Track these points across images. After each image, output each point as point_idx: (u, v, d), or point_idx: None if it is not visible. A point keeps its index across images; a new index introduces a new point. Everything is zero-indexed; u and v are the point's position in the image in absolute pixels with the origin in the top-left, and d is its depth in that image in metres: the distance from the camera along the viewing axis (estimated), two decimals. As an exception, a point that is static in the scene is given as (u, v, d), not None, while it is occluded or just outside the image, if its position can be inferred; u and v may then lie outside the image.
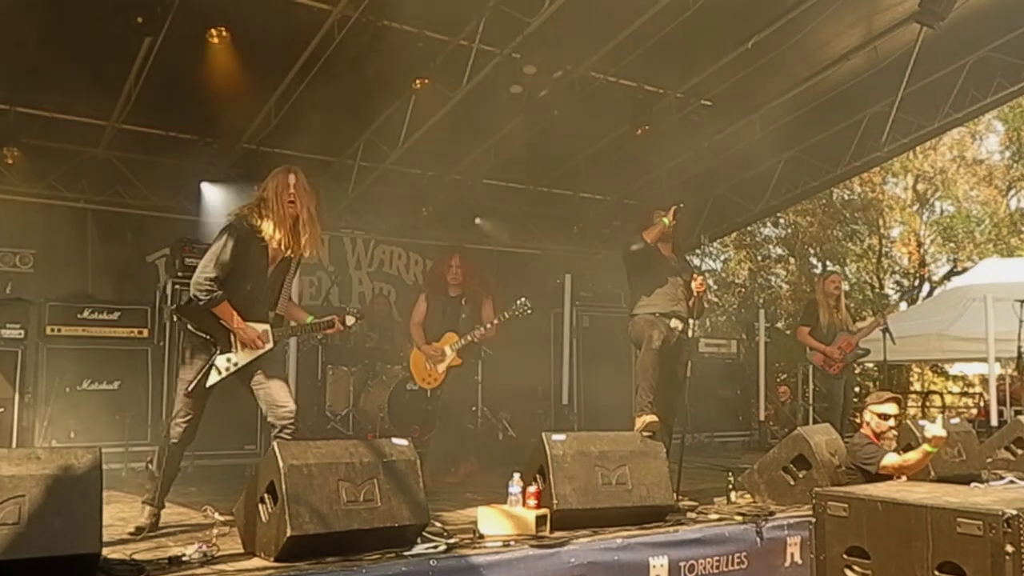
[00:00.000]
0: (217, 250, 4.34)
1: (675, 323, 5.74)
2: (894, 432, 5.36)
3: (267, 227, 4.42)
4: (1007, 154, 21.26)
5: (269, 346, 4.50)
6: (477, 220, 10.57)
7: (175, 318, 6.69)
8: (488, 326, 6.51)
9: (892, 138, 9.41)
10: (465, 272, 6.72)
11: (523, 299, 6.47)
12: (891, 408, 5.30)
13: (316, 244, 4.58)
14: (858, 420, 6.84)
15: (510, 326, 6.56)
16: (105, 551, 3.38)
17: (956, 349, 12.43)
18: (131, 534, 4.20)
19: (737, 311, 21.03)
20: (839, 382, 8.05)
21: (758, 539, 4.60)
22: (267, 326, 4.51)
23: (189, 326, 4.44)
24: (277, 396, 4.40)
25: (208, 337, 4.39)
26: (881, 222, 21.63)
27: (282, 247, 4.47)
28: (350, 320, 4.86)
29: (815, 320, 8.10)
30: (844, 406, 8.05)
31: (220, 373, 4.39)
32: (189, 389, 4.36)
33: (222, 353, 4.39)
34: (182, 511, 4.74)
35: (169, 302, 7.31)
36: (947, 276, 20.71)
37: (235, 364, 4.42)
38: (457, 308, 6.67)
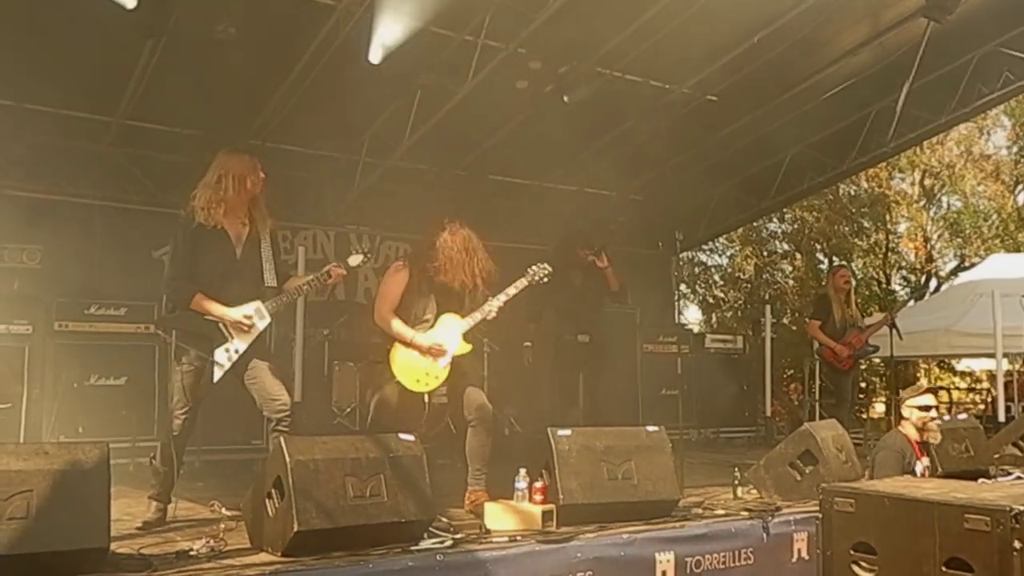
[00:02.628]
0: (173, 252, 4.41)
1: (582, 337, 6.91)
2: (937, 423, 5.37)
3: (221, 211, 4.40)
4: (1015, 149, 21.16)
5: (267, 321, 4.50)
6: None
7: (159, 331, 6.66)
8: (504, 297, 5.02)
9: (899, 133, 9.37)
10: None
11: (540, 264, 5.15)
12: (931, 399, 5.38)
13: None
14: (864, 415, 6.83)
15: (517, 321, 6.49)
16: (113, 546, 3.39)
17: (963, 345, 12.35)
18: (139, 529, 4.22)
19: (743, 307, 21.02)
20: (847, 378, 8.04)
21: (764, 535, 4.60)
22: (258, 303, 4.50)
23: (176, 335, 4.43)
24: (271, 390, 4.42)
25: (200, 337, 4.36)
26: (888, 217, 21.53)
27: (242, 225, 4.49)
28: (354, 260, 4.70)
29: (828, 315, 8.06)
30: (851, 401, 8.05)
31: (223, 365, 4.39)
32: (195, 390, 4.37)
33: (219, 345, 4.38)
34: (189, 506, 4.75)
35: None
36: (954, 271, 20.61)
37: (236, 351, 4.42)
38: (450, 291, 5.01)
